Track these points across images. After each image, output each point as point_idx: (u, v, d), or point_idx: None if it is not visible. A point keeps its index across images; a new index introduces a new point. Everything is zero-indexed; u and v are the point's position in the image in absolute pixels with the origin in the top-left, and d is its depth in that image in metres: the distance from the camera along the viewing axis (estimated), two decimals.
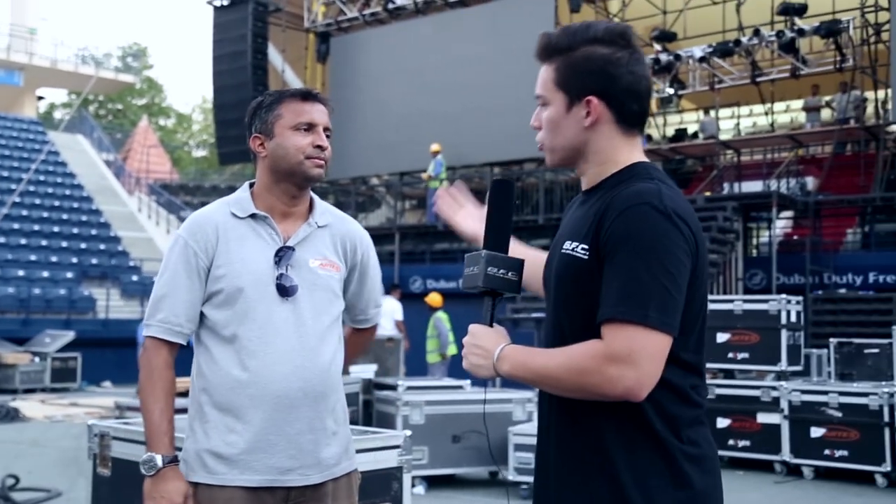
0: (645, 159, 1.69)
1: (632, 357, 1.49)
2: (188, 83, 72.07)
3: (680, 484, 1.56)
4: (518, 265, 1.70)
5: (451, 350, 11.38)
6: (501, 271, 1.68)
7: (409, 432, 3.07)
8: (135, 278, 20.43)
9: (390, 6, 19.84)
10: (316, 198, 2.24)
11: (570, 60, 1.66)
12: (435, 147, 16.98)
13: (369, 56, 19.69)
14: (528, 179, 18.98)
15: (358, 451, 2.88)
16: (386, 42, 19.60)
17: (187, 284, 2.09)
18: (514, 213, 1.75)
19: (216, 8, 21.74)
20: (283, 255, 2.11)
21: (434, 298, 11.55)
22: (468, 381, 7.59)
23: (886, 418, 6.86)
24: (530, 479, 6.29)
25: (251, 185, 2.22)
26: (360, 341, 2.38)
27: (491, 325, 1.69)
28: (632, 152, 1.68)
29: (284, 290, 2.08)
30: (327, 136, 2.17)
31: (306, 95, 2.17)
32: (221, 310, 2.08)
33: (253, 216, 2.13)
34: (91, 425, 3.36)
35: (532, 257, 1.91)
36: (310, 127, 2.13)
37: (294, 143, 2.12)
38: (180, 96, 78.79)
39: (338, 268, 2.19)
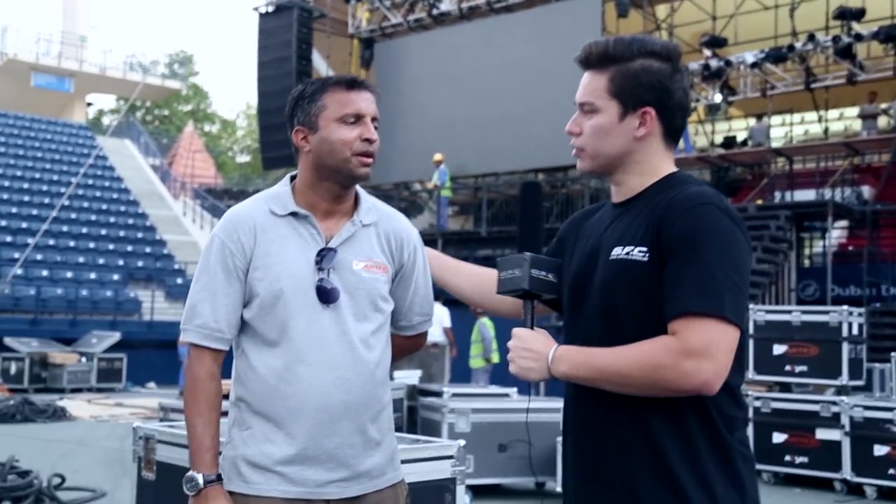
0: (679, 171, 1.72)
1: (710, 350, 1.50)
2: (233, 90, 73.09)
3: (736, 484, 1.59)
4: (557, 266, 1.73)
5: (495, 357, 11.23)
6: (543, 273, 1.70)
7: (463, 442, 2.92)
8: (179, 281, 20.64)
9: (434, 12, 19.81)
10: (362, 193, 2.07)
11: (629, 71, 1.67)
12: (438, 157, 17.00)
13: (413, 62, 19.65)
14: (573, 186, 18.74)
15: (409, 461, 2.75)
16: (430, 48, 19.56)
17: (226, 287, 1.94)
18: (543, 215, 1.71)
19: (261, 14, 21.90)
20: (324, 256, 1.95)
21: None
22: (514, 389, 7.42)
23: None
24: None
25: (292, 178, 2.05)
26: (403, 345, 2.19)
27: (532, 328, 1.69)
28: (670, 165, 1.72)
29: (325, 296, 1.93)
30: (375, 128, 1.99)
31: (352, 83, 1.99)
32: (259, 315, 1.94)
33: (293, 214, 1.98)
34: (136, 428, 3.27)
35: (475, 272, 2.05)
36: (357, 118, 1.96)
37: (340, 136, 1.94)
38: (225, 103, 79.87)
39: (385, 269, 2.03)
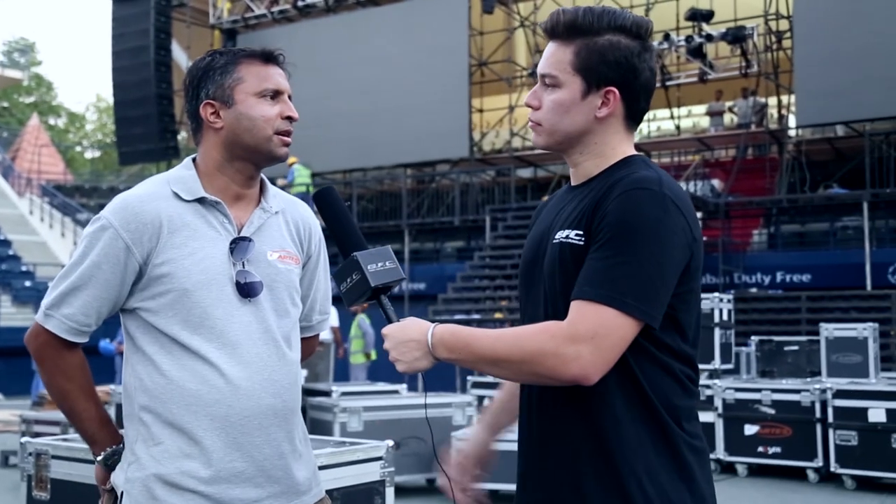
0: (637, 154, 1.66)
1: (595, 339, 1.44)
2: (81, 81, 68.84)
3: (686, 477, 1.53)
4: (388, 251, 1.67)
5: (374, 353, 11.16)
6: (380, 264, 1.64)
7: (391, 442, 2.83)
8: (27, 284, 19.40)
9: (300, 4, 19.44)
10: (265, 179, 1.93)
11: (596, 46, 1.59)
12: (291, 159, 16.86)
13: None
14: (441, 181, 18.84)
15: (338, 465, 2.64)
16: (295, 40, 19.12)
17: (107, 283, 1.74)
18: (348, 212, 1.70)
19: (115, 1, 20.82)
20: (239, 247, 1.79)
21: None
22: (404, 385, 7.37)
23: (818, 414, 6.99)
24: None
25: (194, 160, 1.87)
26: (301, 349, 2.01)
27: (397, 320, 1.61)
28: (629, 148, 1.66)
29: (245, 290, 1.76)
30: None
31: (268, 57, 1.85)
32: (168, 313, 1.74)
33: (201, 201, 1.79)
34: (25, 443, 2.98)
35: None
36: (276, 94, 1.83)
37: (262, 113, 1.80)
38: (72, 95, 75.28)
39: (297, 260, 1.90)
